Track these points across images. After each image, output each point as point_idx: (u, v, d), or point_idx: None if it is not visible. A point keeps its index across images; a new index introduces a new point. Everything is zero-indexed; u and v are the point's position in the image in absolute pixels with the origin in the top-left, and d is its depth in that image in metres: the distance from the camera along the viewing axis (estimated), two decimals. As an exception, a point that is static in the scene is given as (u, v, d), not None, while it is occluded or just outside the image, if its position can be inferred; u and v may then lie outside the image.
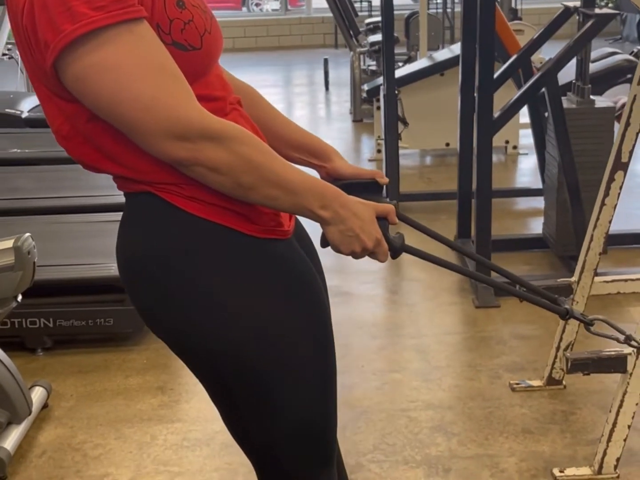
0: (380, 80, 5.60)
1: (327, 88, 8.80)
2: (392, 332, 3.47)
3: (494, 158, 4.14)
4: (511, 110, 3.74)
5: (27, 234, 2.59)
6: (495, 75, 3.69)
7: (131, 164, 1.32)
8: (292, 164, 1.33)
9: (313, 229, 1.49)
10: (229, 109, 1.39)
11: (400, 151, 6.15)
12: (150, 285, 1.36)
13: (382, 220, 1.40)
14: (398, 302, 3.77)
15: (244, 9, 16.50)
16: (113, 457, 2.67)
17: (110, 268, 3.28)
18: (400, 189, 5.04)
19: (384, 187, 1.58)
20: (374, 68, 7.46)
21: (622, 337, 1.70)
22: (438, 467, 2.55)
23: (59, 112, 1.31)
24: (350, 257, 1.42)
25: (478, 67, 3.51)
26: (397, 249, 1.44)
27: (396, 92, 4.71)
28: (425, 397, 2.93)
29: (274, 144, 1.58)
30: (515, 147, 6.00)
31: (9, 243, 2.52)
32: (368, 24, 8.66)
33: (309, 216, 1.33)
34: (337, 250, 1.38)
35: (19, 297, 2.61)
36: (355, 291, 3.82)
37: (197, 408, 2.91)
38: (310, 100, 8.76)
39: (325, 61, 8.76)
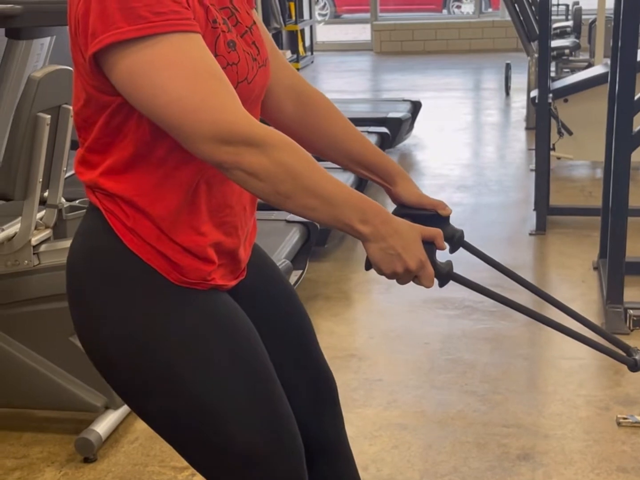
0: (555, 85, 5.40)
1: (507, 93, 8.58)
2: (505, 350, 3.33)
3: (635, 175, 3.90)
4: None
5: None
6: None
7: (107, 162, 1.35)
8: (334, 177, 1.30)
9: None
10: None
11: (568, 162, 5.93)
12: (76, 299, 1.41)
13: (429, 244, 1.35)
14: (518, 318, 3.62)
15: (445, 10, 16.43)
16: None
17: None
18: (553, 201, 4.85)
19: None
20: (552, 74, 7.19)
21: None
22: (515, 498, 2.44)
23: (82, 94, 1.35)
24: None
25: (618, 79, 3.31)
26: (443, 276, 1.38)
27: (549, 101, 4.52)
28: (522, 422, 2.80)
29: (339, 158, 1.58)
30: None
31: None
32: (555, 28, 8.38)
33: (349, 231, 1.30)
34: (378, 270, 1.34)
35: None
36: (479, 306, 3.70)
37: (290, 410, 2.92)
38: (487, 105, 8.58)
39: (508, 66, 8.55)
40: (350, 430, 2.77)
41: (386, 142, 5.72)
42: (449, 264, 1.39)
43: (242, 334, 1.42)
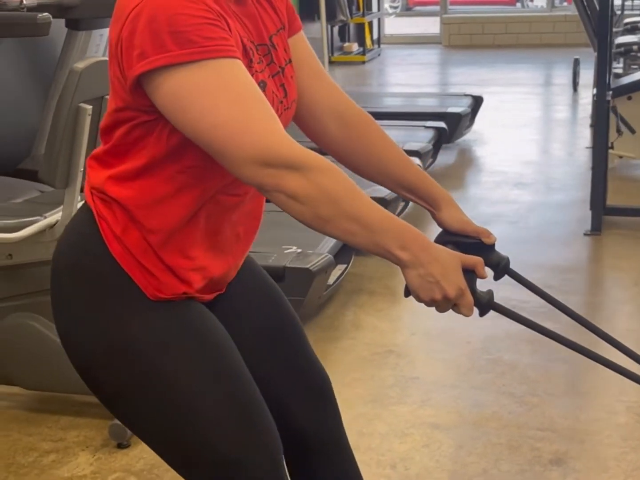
0: (619, 82, 5.29)
1: (575, 89, 8.42)
2: (546, 352, 3.27)
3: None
4: None
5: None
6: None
7: (120, 167, 1.38)
8: (375, 202, 1.31)
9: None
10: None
11: (631, 162, 5.79)
12: (56, 296, 1.45)
13: (470, 272, 1.34)
14: (562, 320, 3.54)
15: (518, 4, 16.20)
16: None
17: (269, 257, 3.36)
18: (612, 201, 4.74)
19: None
20: (618, 71, 7.04)
21: None
22: (543, 503, 2.40)
23: (112, 103, 1.38)
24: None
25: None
26: (483, 305, 1.37)
27: (608, 99, 4.42)
28: (557, 426, 2.75)
29: (383, 180, 1.58)
30: None
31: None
32: (626, 23, 8.20)
33: (388, 257, 1.31)
34: (417, 297, 1.33)
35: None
36: (525, 306, 3.64)
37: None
38: (554, 101, 8.43)
39: (576, 61, 8.37)
40: (381, 427, 2.79)
41: (443, 137, 5.66)
42: (490, 293, 1.38)
43: (211, 335, 1.44)
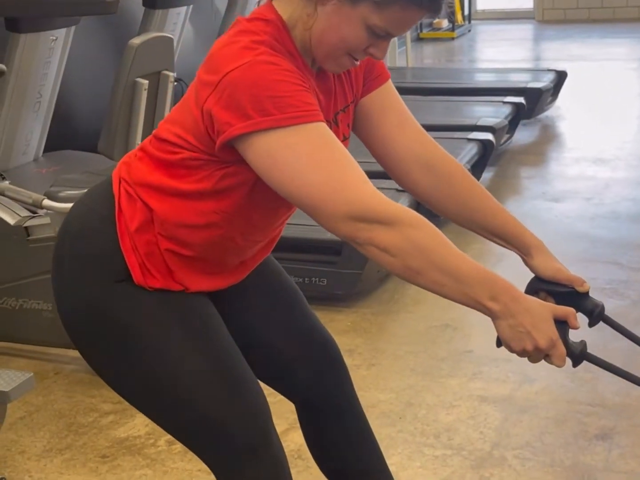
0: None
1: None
2: (606, 328, 3.22)
3: None
4: None
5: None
6: None
7: (166, 181, 1.46)
8: (464, 254, 1.35)
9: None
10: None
11: None
12: (57, 264, 1.55)
13: (562, 323, 1.36)
14: (627, 296, 3.49)
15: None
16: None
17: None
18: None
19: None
20: None
21: None
22: (583, 477, 2.39)
23: (186, 134, 1.43)
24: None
25: None
26: (576, 356, 1.39)
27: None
28: (607, 402, 2.73)
29: (472, 226, 1.61)
30: None
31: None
32: None
33: (479, 308, 1.34)
34: (508, 347, 1.37)
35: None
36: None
37: (376, 375, 2.96)
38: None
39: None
40: (430, 398, 2.81)
41: (521, 113, 5.58)
42: (583, 343, 1.39)
43: (197, 311, 1.52)
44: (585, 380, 2.87)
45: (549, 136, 6.10)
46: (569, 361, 1.41)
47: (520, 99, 5.63)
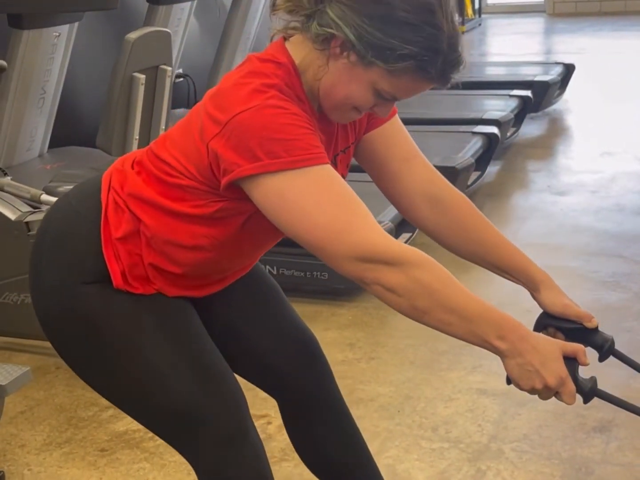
0: None
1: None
2: (609, 322, 3.19)
3: None
4: None
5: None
6: None
7: (162, 200, 1.46)
8: (471, 293, 1.35)
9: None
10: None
11: None
12: (35, 250, 1.55)
13: (571, 360, 1.36)
14: (629, 289, 3.46)
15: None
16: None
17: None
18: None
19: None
20: None
21: None
22: (580, 469, 2.38)
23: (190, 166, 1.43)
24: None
25: None
26: (586, 393, 1.39)
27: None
28: (607, 395, 2.71)
29: (479, 261, 1.62)
30: None
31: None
32: None
33: (486, 347, 1.34)
34: (518, 385, 1.37)
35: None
36: (592, 276, 3.59)
37: (376, 369, 2.96)
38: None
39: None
40: (428, 391, 2.81)
41: (528, 106, 5.56)
42: (593, 380, 1.39)
43: (173, 309, 1.53)
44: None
45: (556, 129, 6.08)
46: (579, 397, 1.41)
47: (528, 92, 5.61)
